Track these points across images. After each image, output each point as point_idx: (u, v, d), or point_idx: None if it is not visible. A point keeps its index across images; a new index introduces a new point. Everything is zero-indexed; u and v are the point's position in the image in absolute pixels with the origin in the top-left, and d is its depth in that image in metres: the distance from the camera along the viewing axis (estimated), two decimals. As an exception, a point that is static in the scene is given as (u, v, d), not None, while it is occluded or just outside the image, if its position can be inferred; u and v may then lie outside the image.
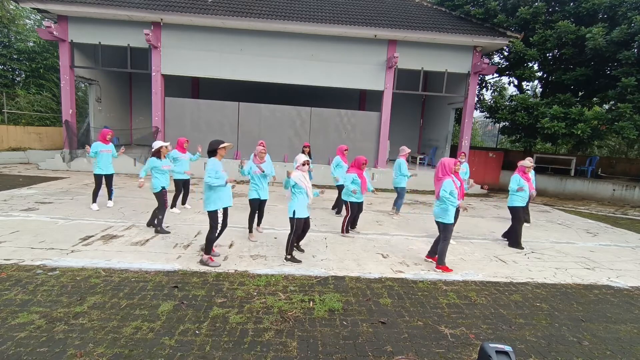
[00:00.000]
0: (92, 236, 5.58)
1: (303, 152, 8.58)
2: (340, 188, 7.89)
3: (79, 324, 3.24)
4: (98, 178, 7.30)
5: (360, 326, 3.50)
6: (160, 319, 3.39)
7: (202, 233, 6.10)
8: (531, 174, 7.50)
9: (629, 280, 5.18)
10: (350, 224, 6.74)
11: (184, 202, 7.82)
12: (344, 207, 6.75)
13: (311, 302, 3.90)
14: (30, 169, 11.90)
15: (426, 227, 7.44)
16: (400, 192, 8.21)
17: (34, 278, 4.06)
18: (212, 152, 4.68)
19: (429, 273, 4.98)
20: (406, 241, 6.42)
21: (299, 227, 5.12)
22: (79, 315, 3.38)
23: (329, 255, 5.40)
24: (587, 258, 6.10)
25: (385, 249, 5.87)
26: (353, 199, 6.45)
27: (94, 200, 7.24)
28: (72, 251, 4.92)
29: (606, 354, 3.30)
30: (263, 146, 6.13)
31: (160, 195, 5.95)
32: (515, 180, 6.45)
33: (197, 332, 3.22)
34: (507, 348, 2.29)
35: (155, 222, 6.05)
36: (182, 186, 7.54)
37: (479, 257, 5.78)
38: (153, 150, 6.04)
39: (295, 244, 5.38)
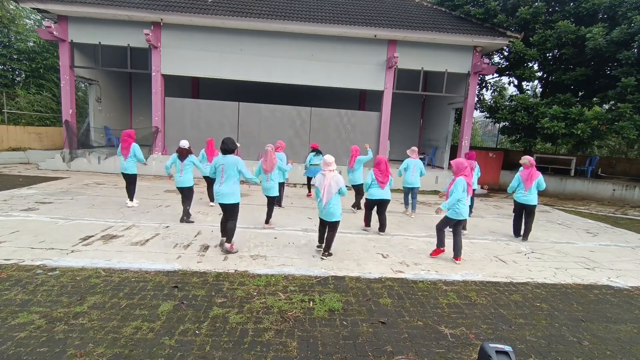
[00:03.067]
0: (92, 236, 5.59)
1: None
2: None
3: (79, 324, 3.24)
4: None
5: (360, 326, 3.50)
6: (160, 319, 3.39)
7: (202, 233, 6.11)
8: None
9: (629, 280, 5.18)
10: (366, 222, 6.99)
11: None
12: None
13: (311, 302, 3.90)
14: (30, 169, 11.90)
15: (426, 227, 7.44)
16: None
17: (34, 278, 4.06)
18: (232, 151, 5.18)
19: (429, 273, 4.98)
20: (406, 241, 6.42)
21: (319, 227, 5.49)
22: (79, 315, 3.37)
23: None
24: (587, 258, 6.10)
25: (385, 249, 5.87)
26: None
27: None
28: (72, 251, 4.92)
29: (606, 354, 3.30)
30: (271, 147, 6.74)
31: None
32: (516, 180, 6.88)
33: (197, 332, 3.22)
34: (507, 348, 2.29)
35: (186, 215, 6.74)
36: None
37: (479, 257, 5.78)
38: (187, 147, 6.73)
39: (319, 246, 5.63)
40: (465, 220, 5.74)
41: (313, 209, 8.48)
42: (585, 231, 8.08)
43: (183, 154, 6.65)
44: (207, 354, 2.92)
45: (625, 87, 11.12)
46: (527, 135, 14.27)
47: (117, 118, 16.02)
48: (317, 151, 9.42)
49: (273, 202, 6.78)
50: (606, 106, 14.64)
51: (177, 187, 6.75)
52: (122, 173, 7.50)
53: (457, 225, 5.44)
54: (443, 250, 5.57)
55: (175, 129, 12.52)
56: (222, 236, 5.38)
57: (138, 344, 2.99)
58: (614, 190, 12.50)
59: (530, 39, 12.87)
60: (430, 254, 5.61)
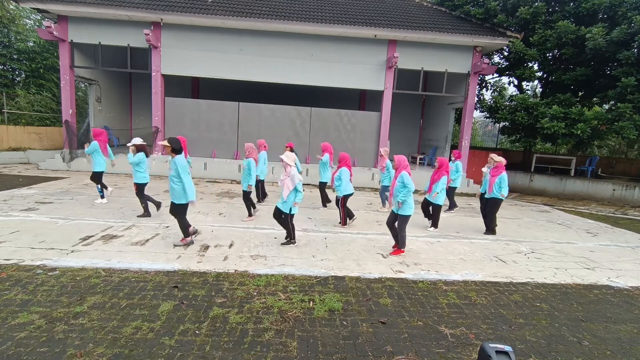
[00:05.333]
0: (92, 236, 5.59)
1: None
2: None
3: (79, 324, 3.24)
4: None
5: (360, 326, 3.50)
6: (160, 319, 3.39)
7: (202, 233, 6.10)
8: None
9: (629, 280, 5.18)
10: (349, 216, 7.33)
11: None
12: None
13: (311, 302, 3.90)
14: (30, 169, 11.89)
15: (426, 227, 7.43)
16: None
17: (34, 278, 4.06)
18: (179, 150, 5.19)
19: (429, 273, 4.98)
20: (406, 241, 6.41)
21: None
22: (79, 315, 3.38)
23: (329, 255, 5.40)
24: (587, 258, 6.10)
25: (386, 249, 5.86)
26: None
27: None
28: (72, 251, 4.92)
29: (606, 354, 3.30)
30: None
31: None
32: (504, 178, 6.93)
33: (197, 332, 3.22)
34: (507, 348, 2.29)
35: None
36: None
37: (479, 257, 5.78)
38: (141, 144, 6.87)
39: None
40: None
41: (313, 209, 8.48)
42: (585, 231, 8.08)
43: (148, 151, 6.91)
44: (207, 354, 2.92)
45: (625, 87, 11.12)
46: (527, 135, 14.27)
47: (117, 118, 16.03)
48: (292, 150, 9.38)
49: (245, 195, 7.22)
50: (606, 106, 14.64)
51: (144, 183, 6.81)
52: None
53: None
54: (403, 251, 5.63)
55: (175, 129, 12.50)
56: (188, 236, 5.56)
57: (138, 344, 2.99)
58: (614, 190, 12.49)
59: (530, 39, 12.87)
60: (391, 253, 5.60)
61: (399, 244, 5.62)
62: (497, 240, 6.88)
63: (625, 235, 7.95)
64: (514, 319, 3.83)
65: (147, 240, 5.59)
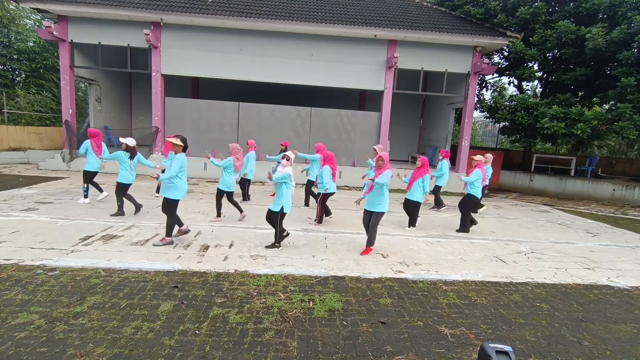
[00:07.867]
0: (92, 236, 5.58)
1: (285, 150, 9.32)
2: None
3: (79, 324, 3.24)
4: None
5: (360, 326, 3.50)
6: (160, 319, 3.39)
7: (202, 233, 6.10)
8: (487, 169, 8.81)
9: (629, 280, 5.18)
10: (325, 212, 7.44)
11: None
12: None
13: (311, 302, 3.90)
14: (30, 169, 11.89)
15: (426, 227, 7.43)
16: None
17: (34, 278, 4.06)
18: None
19: (429, 273, 4.98)
20: (406, 241, 6.42)
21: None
22: (79, 315, 3.38)
23: (329, 255, 5.40)
24: (587, 258, 6.10)
25: (385, 249, 5.87)
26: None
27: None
28: (72, 251, 4.92)
29: (606, 354, 3.30)
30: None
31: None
32: (477, 174, 7.06)
33: (197, 332, 3.22)
34: (507, 348, 2.29)
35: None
36: None
37: (479, 257, 5.78)
38: (133, 146, 6.86)
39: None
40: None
41: (313, 209, 8.47)
42: (585, 231, 8.07)
43: (135, 152, 6.90)
44: (207, 354, 2.92)
45: (625, 87, 11.12)
46: (527, 135, 14.27)
47: (117, 118, 16.03)
48: (286, 149, 9.43)
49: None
50: (606, 106, 14.64)
51: (129, 184, 6.89)
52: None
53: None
54: (371, 249, 5.66)
55: (175, 129, 12.47)
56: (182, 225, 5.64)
57: (138, 344, 3.00)
58: (614, 190, 12.49)
59: (530, 39, 12.87)
60: (361, 253, 5.58)
61: (369, 242, 5.64)
62: (497, 240, 6.88)
63: (625, 235, 7.95)
64: (514, 319, 3.83)
65: (147, 240, 5.58)
